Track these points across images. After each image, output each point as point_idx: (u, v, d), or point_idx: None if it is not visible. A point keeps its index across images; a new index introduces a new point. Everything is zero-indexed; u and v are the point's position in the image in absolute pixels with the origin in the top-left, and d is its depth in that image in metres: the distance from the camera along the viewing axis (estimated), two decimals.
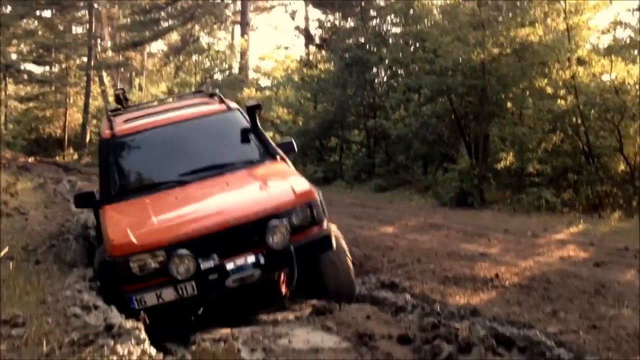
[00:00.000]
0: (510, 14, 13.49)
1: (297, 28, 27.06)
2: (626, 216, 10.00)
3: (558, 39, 12.38)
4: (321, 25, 23.74)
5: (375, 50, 17.85)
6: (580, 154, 12.44)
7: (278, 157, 5.59)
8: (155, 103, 7.63)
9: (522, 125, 13.00)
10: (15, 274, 5.35)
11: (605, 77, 12.30)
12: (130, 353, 3.36)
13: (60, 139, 34.00)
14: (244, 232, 4.51)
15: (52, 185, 15.30)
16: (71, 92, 33.84)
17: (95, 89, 32.92)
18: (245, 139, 5.68)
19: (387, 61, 17.38)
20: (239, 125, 5.77)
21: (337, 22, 23.49)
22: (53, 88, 33.33)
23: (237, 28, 32.60)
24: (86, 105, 31.68)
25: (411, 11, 16.70)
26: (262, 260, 4.45)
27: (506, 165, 13.21)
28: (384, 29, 18.77)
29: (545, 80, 12.60)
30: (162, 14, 30.73)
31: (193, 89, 28.38)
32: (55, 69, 36.27)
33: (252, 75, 28.11)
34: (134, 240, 4.45)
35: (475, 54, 12.72)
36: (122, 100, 6.91)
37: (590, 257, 6.61)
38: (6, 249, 5.98)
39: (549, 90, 12.56)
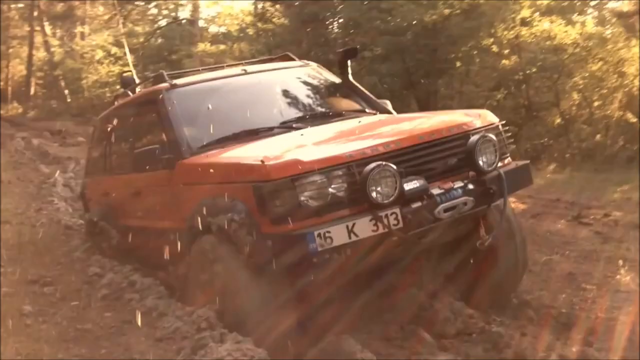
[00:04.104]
0: None
1: None
2: (560, 168, 11.12)
3: None
4: None
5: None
6: (520, 108, 13.48)
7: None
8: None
9: (469, 84, 13.88)
10: (19, 238, 5.76)
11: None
12: (156, 306, 3.93)
13: (1, 92, 32.79)
14: (445, 149, 3.38)
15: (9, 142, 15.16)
16: (12, 42, 32.49)
17: (37, 39, 31.73)
18: (340, 92, 4.60)
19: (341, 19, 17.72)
20: (327, 78, 4.77)
21: None
22: None
23: None
24: (30, 56, 30.62)
25: None
26: (471, 186, 3.34)
27: None
28: None
29: (492, 40, 13.43)
30: None
31: (141, 40, 27.96)
32: None
33: (202, 24, 27.70)
34: (299, 157, 3.09)
35: (428, 16, 13.36)
36: (130, 83, 5.52)
37: (528, 209, 7.48)
38: None
39: (495, 49, 13.41)
